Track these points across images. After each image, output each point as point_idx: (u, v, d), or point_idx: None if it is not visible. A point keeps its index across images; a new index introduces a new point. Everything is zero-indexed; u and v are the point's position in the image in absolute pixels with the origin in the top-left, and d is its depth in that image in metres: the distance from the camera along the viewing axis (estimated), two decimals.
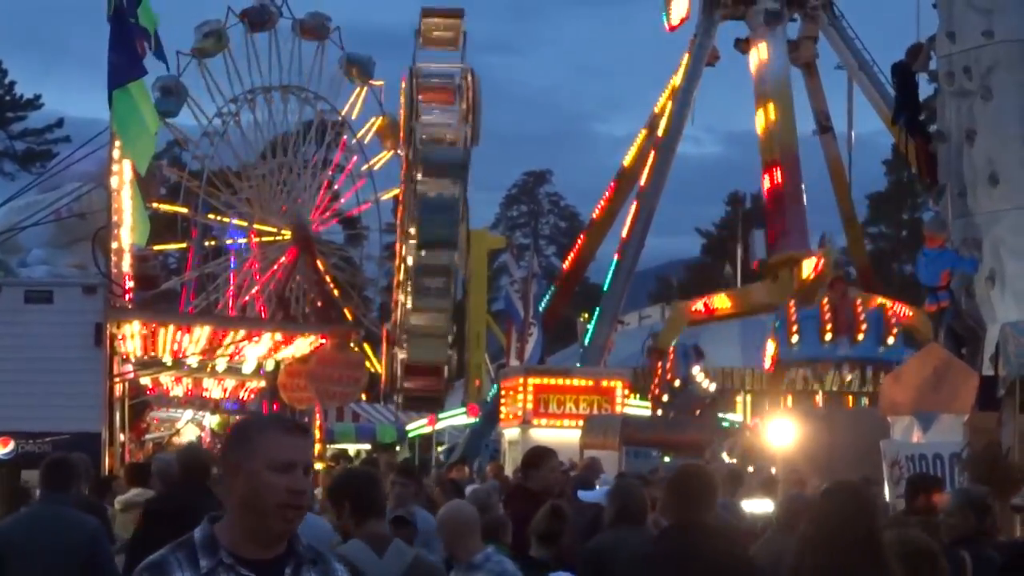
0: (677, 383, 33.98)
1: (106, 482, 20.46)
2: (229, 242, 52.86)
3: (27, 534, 11.52)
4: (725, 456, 25.72)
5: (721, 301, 43.77)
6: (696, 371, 34.21)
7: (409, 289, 51.40)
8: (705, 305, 43.38)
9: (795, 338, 33.91)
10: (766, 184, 43.84)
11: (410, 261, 51.78)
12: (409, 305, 51.64)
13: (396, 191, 55.47)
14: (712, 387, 34.46)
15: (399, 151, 53.49)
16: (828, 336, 33.64)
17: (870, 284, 43.45)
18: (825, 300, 34.32)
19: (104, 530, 12.20)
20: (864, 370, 33.46)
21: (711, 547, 9.45)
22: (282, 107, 53.16)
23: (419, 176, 50.02)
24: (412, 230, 50.79)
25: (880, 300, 37.88)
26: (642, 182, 43.50)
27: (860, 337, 33.92)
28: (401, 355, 52.44)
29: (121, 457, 28.18)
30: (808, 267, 39.08)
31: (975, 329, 23.09)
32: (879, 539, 9.04)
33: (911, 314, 37.55)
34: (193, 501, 12.41)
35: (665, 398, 34.31)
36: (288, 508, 5.02)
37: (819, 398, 32.70)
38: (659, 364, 35.41)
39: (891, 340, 34.38)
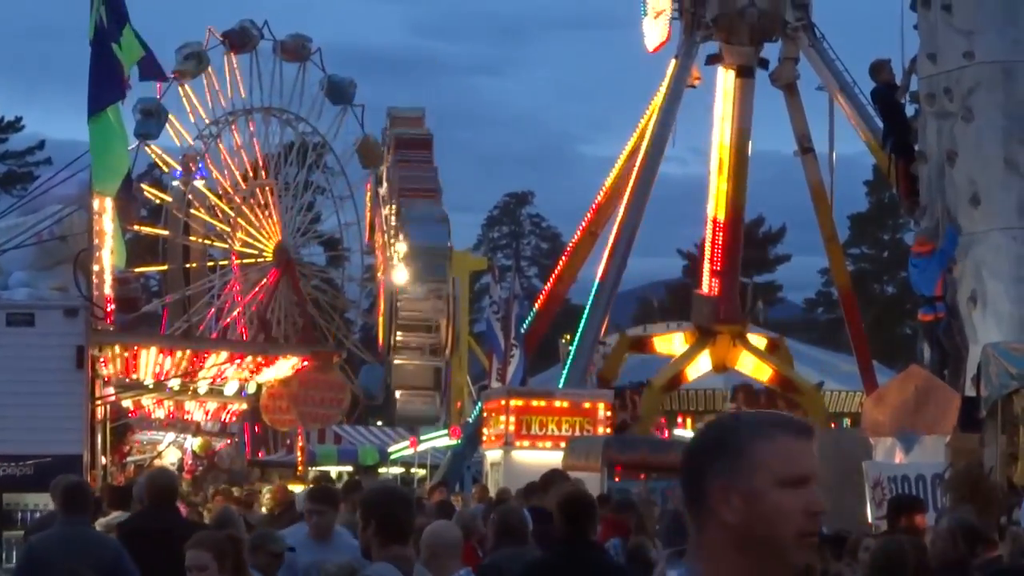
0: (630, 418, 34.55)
1: (95, 505, 20.49)
2: (210, 264, 52.95)
3: (60, 553, 12.08)
4: None
5: (661, 344, 44.12)
6: None
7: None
8: (648, 342, 43.74)
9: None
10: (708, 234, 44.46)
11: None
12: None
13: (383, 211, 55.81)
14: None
15: (378, 169, 53.73)
16: None
17: (852, 305, 43.53)
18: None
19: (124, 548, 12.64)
20: None
21: (592, 558, 10.74)
22: (263, 129, 53.23)
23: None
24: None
25: None
26: (624, 203, 43.54)
27: None
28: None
29: (103, 479, 28.18)
30: None
31: (956, 348, 23.15)
32: None
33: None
34: (166, 521, 12.56)
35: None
36: (808, 537, 3.81)
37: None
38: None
39: None
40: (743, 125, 42.56)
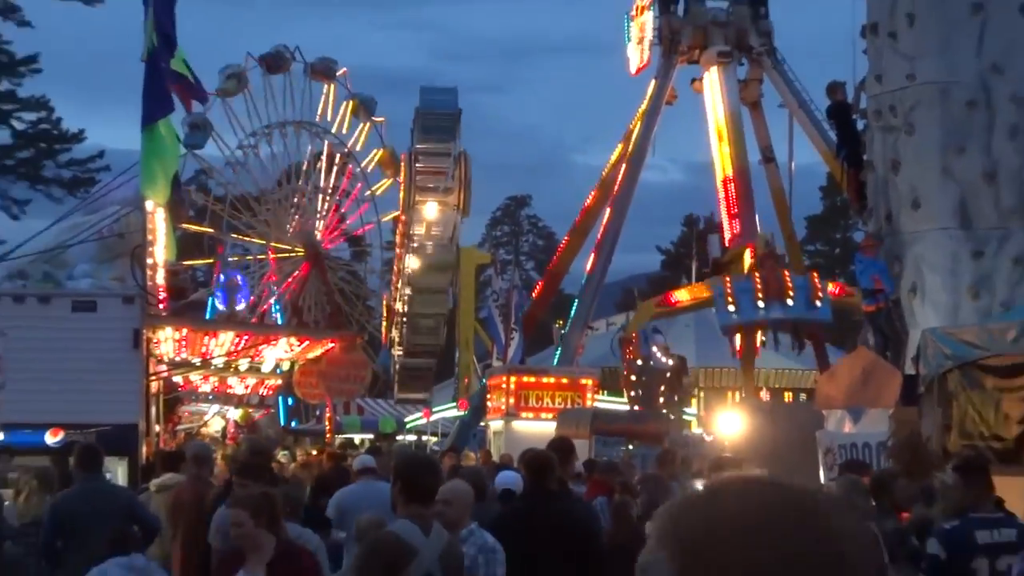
0: (640, 361, 34.16)
1: (149, 468, 20.53)
2: (248, 258, 52.93)
3: (82, 503, 12.61)
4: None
5: (681, 294, 43.87)
6: (655, 349, 34.43)
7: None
8: (666, 297, 43.43)
9: (731, 307, 34.49)
10: (722, 194, 44.03)
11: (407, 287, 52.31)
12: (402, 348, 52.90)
13: (395, 214, 55.76)
14: (670, 362, 34.65)
15: (398, 179, 53.64)
16: (761, 303, 34.22)
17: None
18: (756, 272, 34.93)
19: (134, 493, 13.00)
20: (798, 329, 34.35)
21: (553, 507, 11.11)
22: (295, 140, 53.21)
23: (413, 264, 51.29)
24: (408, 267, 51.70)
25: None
26: (609, 207, 43.54)
27: (790, 301, 34.43)
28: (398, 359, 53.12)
29: (156, 445, 28.21)
30: (748, 255, 39.25)
31: (899, 332, 23.17)
32: None
33: (838, 291, 37.62)
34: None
35: (633, 378, 34.42)
36: None
37: (764, 394, 32.86)
38: (627, 350, 35.49)
39: (818, 303, 34.84)
40: (732, 104, 42.59)
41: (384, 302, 55.61)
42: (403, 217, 53.16)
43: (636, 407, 33.86)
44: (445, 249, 51.66)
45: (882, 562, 2.20)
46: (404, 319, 52.81)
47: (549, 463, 11.99)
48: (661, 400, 33.70)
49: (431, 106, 50.69)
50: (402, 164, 52.15)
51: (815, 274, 37.18)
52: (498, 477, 14.55)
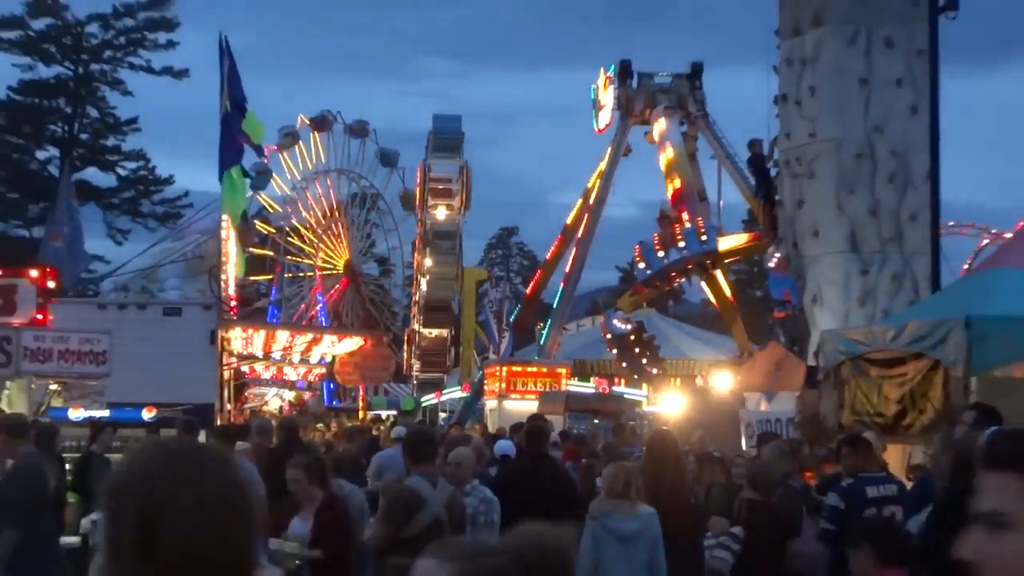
0: (610, 335, 34.57)
1: (222, 436, 20.51)
2: (299, 275, 53.00)
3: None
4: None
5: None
6: (615, 322, 34.76)
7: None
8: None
9: (642, 264, 35.11)
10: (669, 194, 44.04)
11: (424, 286, 52.52)
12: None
13: (414, 240, 56.11)
14: (628, 326, 34.84)
15: (415, 214, 53.81)
16: (661, 252, 34.62)
17: (730, 305, 43.48)
18: (656, 235, 35.47)
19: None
20: (695, 263, 34.89)
21: (543, 467, 11.37)
22: (336, 184, 53.07)
23: (428, 260, 51.63)
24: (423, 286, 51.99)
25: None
26: (579, 235, 43.55)
27: (682, 244, 34.70)
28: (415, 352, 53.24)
29: (228, 420, 28.22)
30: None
31: (803, 332, 23.22)
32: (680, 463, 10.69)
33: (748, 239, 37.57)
34: (289, 448, 12.63)
35: (613, 350, 34.81)
36: None
37: (699, 380, 32.77)
38: (604, 335, 35.63)
39: (704, 238, 35.08)
40: (679, 145, 42.66)
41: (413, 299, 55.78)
42: (419, 243, 53.34)
43: (623, 364, 34.13)
44: (448, 269, 51.99)
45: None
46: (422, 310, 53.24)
47: (544, 433, 12.35)
48: (636, 351, 33.84)
49: (441, 130, 51.38)
50: (418, 174, 52.66)
51: (699, 220, 37.19)
52: (496, 445, 14.59)
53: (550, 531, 2.41)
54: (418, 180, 53.04)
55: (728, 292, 43.85)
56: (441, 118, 52.72)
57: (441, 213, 51.46)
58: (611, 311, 37.07)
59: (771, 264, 25.30)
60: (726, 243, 37.19)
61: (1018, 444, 2.20)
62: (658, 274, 35.81)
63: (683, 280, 38.48)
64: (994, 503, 2.11)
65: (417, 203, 53.05)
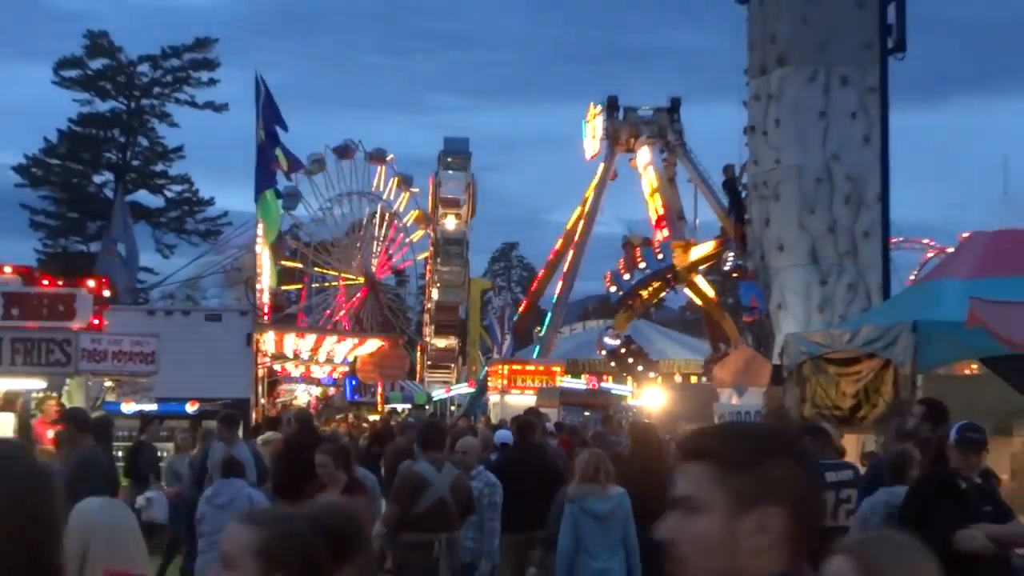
0: (603, 351, 34.50)
1: (257, 428, 20.51)
2: (325, 285, 53.04)
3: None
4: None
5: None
6: (606, 339, 34.73)
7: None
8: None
9: (613, 288, 35.06)
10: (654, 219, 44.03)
11: (435, 295, 52.42)
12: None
13: (426, 254, 56.11)
14: (618, 341, 34.81)
15: (428, 231, 53.83)
16: (627, 275, 34.69)
17: (715, 304, 43.53)
18: (621, 260, 35.46)
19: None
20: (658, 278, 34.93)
21: (533, 455, 11.58)
22: (358, 204, 53.13)
23: (439, 264, 51.65)
24: (435, 294, 51.95)
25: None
26: (572, 250, 43.60)
27: (642, 265, 34.75)
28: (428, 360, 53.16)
29: (262, 413, 28.19)
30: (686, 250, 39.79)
31: (769, 335, 23.19)
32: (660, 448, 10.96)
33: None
34: (308, 440, 12.58)
35: (610, 363, 34.81)
36: None
37: (677, 377, 32.84)
38: (600, 349, 35.65)
39: (660, 256, 35.10)
40: (660, 171, 42.69)
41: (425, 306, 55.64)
42: (431, 257, 53.29)
43: (612, 363, 34.24)
44: (457, 277, 52.07)
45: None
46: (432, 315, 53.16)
47: (532, 426, 12.49)
48: (629, 360, 33.96)
49: (451, 149, 51.60)
50: (430, 186, 52.83)
51: (655, 241, 37.23)
52: (496, 434, 14.57)
53: (345, 502, 2.49)
54: (430, 191, 53.16)
55: (712, 293, 43.91)
56: (451, 140, 52.95)
57: (451, 222, 51.66)
58: (603, 329, 37.08)
59: (726, 267, 25.40)
60: (698, 251, 37.19)
61: (704, 439, 2.25)
62: (628, 294, 35.84)
63: (665, 292, 38.34)
64: (686, 490, 2.16)
65: (429, 211, 53.13)
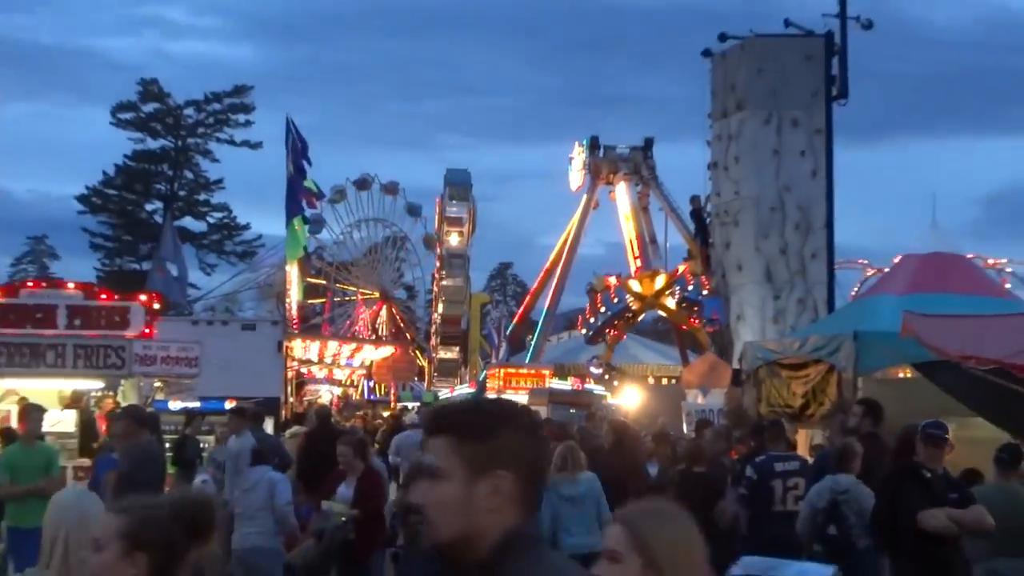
0: (589, 381, 34.52)
1: (286, 423, 20.50)
2: (346, 299, 52.99)
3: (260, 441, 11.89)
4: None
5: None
6: (592, 368, 34.63)
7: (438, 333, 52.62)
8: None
9: (584, 330, 35.33)
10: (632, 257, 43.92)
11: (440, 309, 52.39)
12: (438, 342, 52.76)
13: (433, 272, 56.12)
14: (601, 370, 34.74)
15: (434, 251, 53.84)
16: (592, 319, 34.82)
17: (686, 319, 43.61)
18: (587, 306, 35.56)
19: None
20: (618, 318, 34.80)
21: None
22: (374, 229, 53.09)
23: (444, 278, 51.58)
24: (440, 309, 51.88)
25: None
26: (559, 269, 43.61)
27: (602, 309, 34.77)
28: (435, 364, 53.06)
29: (290, 410, 28.15)
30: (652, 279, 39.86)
31: (730, 343, 23.23)
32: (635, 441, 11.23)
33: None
34: (326, 433, 12.58)
35: (599, 314, 34.89)
36: None
37: (650, 379, 32.82)
38: (598, 298, 35.61)
39: (615, 300, 34.88)
40: (632, 199, 42.70)
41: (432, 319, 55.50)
42: (438, 275, 53.23)
43: (586, 385, 34.17)
44: (460, 291, 51.94)
45: None
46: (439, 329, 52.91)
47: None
48: (607, 376, 33.98)
49: (454, 180, 51.68)
50: (436, 207, 52.81)
51: (611, 284, 36.98)
52: None
53: (200, 492, 2.55)
54: (436, 212, 53.05)
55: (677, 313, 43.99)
56: (453, 171, 52.95)
57: (454, 239, 51.59)
58: (590, 359, 37.22)
59: (689, 287, 25.51)
60: (660, 280, 37.32)
61: (444, 416, 2.28)
62: (596, 333, 36.08)
63: (633, 321, 38.22)
64: (431, 460, 2.21)
65: (436, 228, 53.08)
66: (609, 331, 36.42)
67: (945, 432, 7.56)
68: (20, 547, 8.80)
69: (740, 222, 23.06)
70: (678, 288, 27.82)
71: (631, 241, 43.34)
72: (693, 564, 2.47)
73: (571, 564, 2.32)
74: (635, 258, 43.11)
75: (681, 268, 33.64)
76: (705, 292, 25.85)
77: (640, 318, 38.01)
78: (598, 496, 9.37)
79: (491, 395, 38.20)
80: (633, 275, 40.50)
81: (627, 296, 34.94)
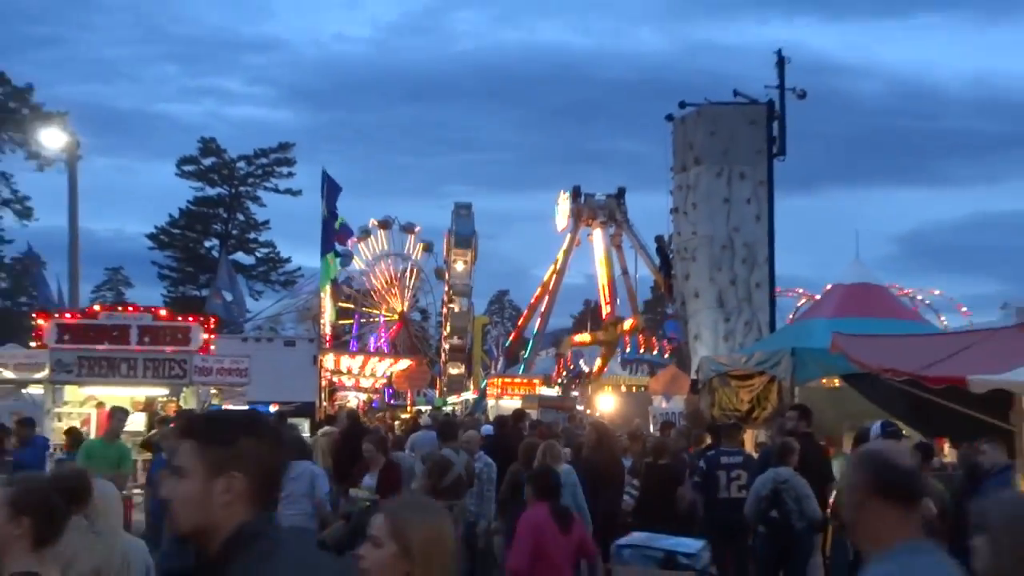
0: (564, 373, 34.42)
1: (319, 424, 20.39)
2: (371, 320, 52.89)
3: (296, 440, 11.61)
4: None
5: (582, 337, 43.86)
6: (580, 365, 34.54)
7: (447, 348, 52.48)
8: (572, 339, 43.20)
9: (555, 388, 35.03)
10: (604, 290, 43.91)
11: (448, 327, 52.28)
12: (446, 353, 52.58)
13: (443, 297, 56.02)
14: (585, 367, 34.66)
15: (444, 280, 53.79)
16: (559, 380, 34.78)
17: (648, 339, 43.56)
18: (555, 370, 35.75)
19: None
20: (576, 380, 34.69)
21: (502, 441, 11.28)
22: (394, 262, 53.15)
23: (451, 302, 51.50)
24: (447, 330, 51.78)
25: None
26: (548, 295, 43.61)
27: (563, 373, 34.68)
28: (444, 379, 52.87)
29: (324, 412, 28.03)
30: (626, 323, 39.53)
31: (688, 358, 23.17)
32: (613, 439, 10.90)
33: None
34: (357, 431, 12.51)
35: (563, 374, 34.76)
36: None
37: (623, 388, 32.67)
38: (561, 361, 35.64)
39: (571, 366, 34.93)
40: (606, 243, 42.67)
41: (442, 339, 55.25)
42: (447, 300, 53.16)
43: (571, 391, 34.10)
44: (465, 315, 51.89)
45: None
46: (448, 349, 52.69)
47: (506, 421, 12.73)
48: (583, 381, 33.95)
49: (459, 230, 51.60)
50: (444, 237, 52.72)
51: (565, 360, 37.00)
52: (483, 428, 14.41)
53: (79, 468, 2.57)
54: (444, 243, 52.94)
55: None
56: (459, 221, 52.74)
57: (460, 266, 51.43)
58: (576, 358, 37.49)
59: (627, 349, 25.60)
60: (627, 323, 37.12)
61: (192, 422, 2.23)
62: (564, 389, 36.48)
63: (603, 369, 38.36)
64: (177, 460, 2.16)
65: (444, 256, 52.96)
66: (574, 385, 36.77)
67: (898, 429, 7.58)
68: None
69: (697, 257, 23.09)
70: (619, 350, 27.89)
71: (603, 287, 43.56)
72: (441, 552, 2.42)
73: (306, 554, 2.16)
74: (606, 303, 43.35)
75: (628, 324, 33.87)
76: (642, 350, 25.87)
77: (607, 366, 38.08)
78: (574, 486, 9.31)
79: (491, 400, 38.16)
80: (604, 318, 40.89)
81: (582, 365, 35.39)
